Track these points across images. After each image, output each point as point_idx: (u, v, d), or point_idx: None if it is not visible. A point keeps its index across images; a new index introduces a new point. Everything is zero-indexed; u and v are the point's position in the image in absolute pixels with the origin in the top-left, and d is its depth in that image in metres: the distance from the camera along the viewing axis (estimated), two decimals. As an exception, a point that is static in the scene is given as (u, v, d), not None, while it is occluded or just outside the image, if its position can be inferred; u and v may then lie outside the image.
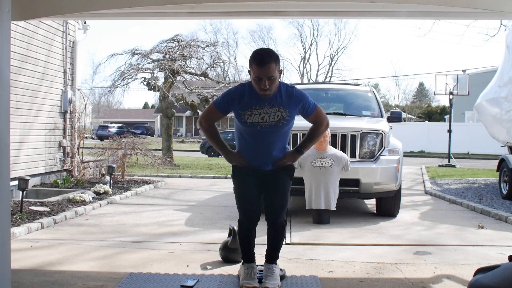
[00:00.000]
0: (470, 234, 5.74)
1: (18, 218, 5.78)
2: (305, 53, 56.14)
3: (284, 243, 4.21)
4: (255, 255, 3.77)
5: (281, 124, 3.49)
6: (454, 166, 16.20)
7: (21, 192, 6.15)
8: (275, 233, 3.69)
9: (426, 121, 35.88)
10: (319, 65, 55.82)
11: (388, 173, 6.34)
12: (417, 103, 51.98)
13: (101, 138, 34.10)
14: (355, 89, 8.51)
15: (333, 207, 6.10)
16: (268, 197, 3.66)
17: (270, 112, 3.44)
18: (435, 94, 19.81)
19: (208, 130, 3.62)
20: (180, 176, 12.31)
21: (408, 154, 21.50)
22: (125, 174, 10.22)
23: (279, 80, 3.44)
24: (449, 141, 16.93)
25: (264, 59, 3.28)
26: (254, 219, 3.66)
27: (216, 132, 3.67)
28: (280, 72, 3.41)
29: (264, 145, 3.54)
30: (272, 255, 3.70)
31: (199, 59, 16.18)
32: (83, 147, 10.24)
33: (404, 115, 31.45)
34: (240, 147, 3.65)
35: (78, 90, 10.22)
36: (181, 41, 15.69)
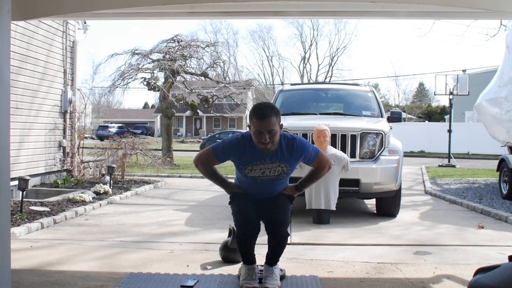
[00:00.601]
0: (470, 234, 5.74)
1: (18, 218, 5.78)
2: (305, 53, 56.22)
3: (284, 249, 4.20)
4: (255, 255, 3.76)
5: (281, 177, 3.56)
6: (454, 166, 16.20)
7: (21, 192, 6.15)
8: (278, 243, 3.59)
9: (426, 121, 35.88)
10: (319, 65, 55.90)
11: (388, 173, 6.34)
12: (417, 103, 52.00)
13: (101, 138, 34.10)
14: (355, 89, 8.51)
15: (333, 207, 6.10)
16: (268, 215, 3.56)
17: (271, 167, 3.47)
18: (435, 94, 19.82)
19: (205, 172, 3.72)
20: (180, 176, 12.31)
21: (408, 154, 21.50)
22: (125, 174, 10.22)
23: (280, 133, 3.42)
24: (449, 141, 16.93)
25: (264, 113, 3.26)
26: (254, 234, 3.57)
27: (213, 172, 3.74)
28: (281, 126, 3.39)
29: (264, 191, 3.62)
30: (272, 260, 3.67)
31: (199, 59, 16.21)
32: (83, 147, 10.24)
33: (404, 115, 31.46)
34: (240, 185, 3.72)
35: (78, 90, 10.22)
36: (181, 41, 15.70)
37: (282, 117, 3.71)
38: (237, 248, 4.11)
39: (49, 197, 7.45)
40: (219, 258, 4.36)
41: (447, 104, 22.27)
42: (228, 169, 13.47)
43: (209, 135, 31.80)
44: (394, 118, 7.42)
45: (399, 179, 6.48)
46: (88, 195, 7.42)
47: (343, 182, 6.20)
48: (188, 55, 15.62)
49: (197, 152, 3.90)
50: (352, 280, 3.86)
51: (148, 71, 15.43)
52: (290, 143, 3.46)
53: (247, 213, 3.54)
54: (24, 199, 6.20)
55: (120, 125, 46.34)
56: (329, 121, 6.41)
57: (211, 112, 19.05)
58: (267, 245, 3.73)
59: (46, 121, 8.86)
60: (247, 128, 3.47)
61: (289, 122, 6.29)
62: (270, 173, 3.47)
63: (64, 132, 9.56)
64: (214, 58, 16.44)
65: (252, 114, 3.32)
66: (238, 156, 3.48)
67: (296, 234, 5.52)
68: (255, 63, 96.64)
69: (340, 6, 5.28)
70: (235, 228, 3.68)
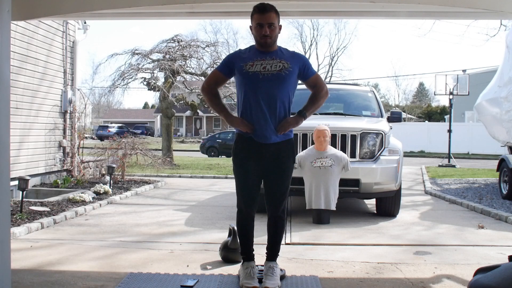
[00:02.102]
0: (470, 234, 5.74)
1: (18, 218, 5.78)
2: (305, 53, 56.09)
3: (284, 243, 4.22)
4: (255, 254, 3.78)
5: (283, 74, 3.49)
6: (454, 166, 16.20)
7: (21, 192, 6.15)
8: (276, 223, 3.67)
9: (426, 121, 35.89)
10: (319, 65, 55.81)
11: (388, 173, 6.34)
12: (417, 103, 52.00)
13: (101, 138, 34.10)
14: (355, 89, 8.51)
15: (333, 207, 6.10)
16: (269, 184, 3.63)
17: (272, 63, 3.51)
18: (435, 94, 19.82)
19: (210, 92, 3.66)
20: (180, 176, 12.31)
21: (408, 154, 21.50)
22: (125, 174, 10.22)
23: (279, 34, 3.55)
24: (449, 141, 16.94)
25: (265, 7, 3.47)
26: (253, 205, 3.65)
27: (217, 94, 3.69)
28: (280, 27, 3.56)
29: (266, 99, 3.48)
30: (273, 250, 3.70)
31: (199, 59, 16.19)
32: (83, 147, 10.24)
33: (404, 115, 31.45)
34: (243, 113, 3.58)
35: (78, 90, 10.22)
36: (181, 41, 15.69)
37: None
38: (237, 248, 4.14)
39: (49, 197, 7.45)
40: (219, 258, 4.36)
41: (447, 104, 22.28)
42: (228, 169, 13.48)
43: (209, 135, 31.81)
44: (394, 118, 7.41)
45: (399, 179, 6.48)
46: (88, 195, 7.42)
47: (343, 182, 6.20)
48: (188, 55, 15.61)
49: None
50: (352, 280, 3.86)
51: (148, 71, 15.43)
52: (291, 50, 3.66)
53: (250, 181, 3.60)
54: (24, 199, 6.20)
55: (120, 125, 46.35)
56: (329, 121, 6.41)
57: (211, 112, 19.06)
58: (266, 245, 3.74)
59: (46, 121, 8.86)
60: (249, 29, 3.59)
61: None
62: (272, 67, 3.49)
63: (64, 132, 9.56)
64: (214, 58, 16.42)
65: (254, 10, 3.50)
66: (239, 56, 3.59)
67: (296, 234, 5.52)
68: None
69: (340, 6, 5.28)
70: (236, 193, 3.70)
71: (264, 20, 3.44)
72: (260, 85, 3.47)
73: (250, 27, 3.57)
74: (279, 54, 3.56)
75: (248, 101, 3.53)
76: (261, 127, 3.51)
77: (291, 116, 3.61)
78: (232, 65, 3.58)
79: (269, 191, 3.66)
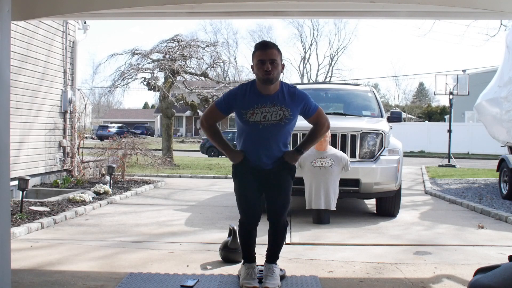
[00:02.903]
0: (470, 234, 5.74)
1: (18, 218, 5.78)
2: (305, 53, 56.19)
3: (284, 243, 4.21)
4: (256, 255, 3.77)
5: (283, 123, 3.50)
6: (454, 166, 16.20)
7: (21, 192, 6.15)
8: (277, 233, 3.68)
9: (426, 121, 35.89)
10: (319, 65, 55.87)
11: (388, 173, 6.34)
12: (417, 103, 51.99)
13: (101, 138, 34.10)
14: (355, 89, 8.51)
15: (333, 207, 6.10)
16: (269, 197, 3.65)
17: (272, 110, 3.46)
18: (435, 94, 19.82)
19: (209, 129, 3.63)
20: (180, 176, 12.31)
21: (408, 154, 21.50)
22: (125, 174, 10.22)
23: (281, 74, 3.50)
24: (449, 141, 16.93)
25: (267, 44, 3.46)
26: (255, 219, 3.66)
27: (218, 131, 3.69)
28: (283, 66, 3.49)
29: (266, 144, 3.54)
30: (272, 255, 3.71)
31: (199, 59, 16.19)
32: (83, 147, 10.24)
33: (404, 115, 31.46)
34: (242, 147, 3.65)
35: (78, 90, 10.22)
36: (181, 41, 15.69)
37: None
38: (237, 248, 4.14)
39: (49, 197, 7.44)
40: (219, 258, 4.36)
41: (447, 104, 22.28)
42: (228, 169, 13.48)
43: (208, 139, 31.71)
44: (394, 118, 7.41)
45: (399, 179, 6.48)
46: (88, 195, 7.42)
47: (343, 182, 6.20)
48: (188, 55, 15.61)
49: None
50: (352, 280, 3.86)
51: (148, 71, 15.42)
52: (291, 90, 3.57)
53: (250, 197, 3.60)
54: (24, 199, 6.20)
55: (120, 125, 46.34)
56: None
57: (211, 112, 19.00)
58: (267, 245, 3.74)
59: (46, 121, 8.86)
60: (251, 68, 3.55)
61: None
62: (272, 117, 3.46)
63: (64, 132, 9.56)
64: (214, 58, 16.43)
65: (255, 47, 3.47)
66: (240, 99, 3.50)
67: (296, 234, 5.52)
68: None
69: (340, 6, 5.28)
70: (238, 207, 3.70)
71: (266, 57, 3.37)
72: (259, 134, 3.52)
73: (252, 66, 3.50)
74: (280, 98, 3.48)
75: (248, 141, 3.60)
76: (260, 160, 3.59)
77: (288, 151, 3.67)
78: (232, 106, 3.56)
79: (270, 205, 3.66)
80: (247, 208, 3.64)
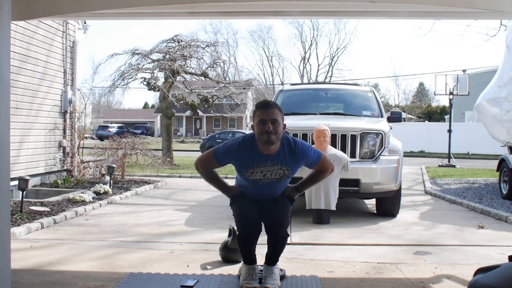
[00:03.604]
0: (470, 234, 5.74)
1: (18, 218, 5.78)
2: (305, 53, 56.22)
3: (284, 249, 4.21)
4: (256, 255, 3.77)
5: (282, 180, 3.56)
6: (454, 166, 16.20)
7: (21, 192, 6.15)
8: (277, 244, 3.62)
9: (426, 121, 35.88)
10: (319, 65, 55.91)
11: (388, 173, 6.33)
12: (417, 103, 52.01)
13: (101, 138, 34.10)
14: (355, 89, 8.51)
15: (333, 207, 6.10)
16: (268, 215, 3.59)
17: (272, 170, 3.47)
18: (435, 94, 19.82)
19: (206, 175, 3.69)
20: (180, 176, 12.31)
21: (408, 154, 21.50)
22: (125, 174, 10.22)
23: (283, 134, 3.46)
24: (449, 141, 16.93)
25: (269, 103, 3.47)
26: (255, 236, 3.60)
27: (214, 176, 3.71)
28: (284, 126, 3.44)
29: (265, 193, 3.63)
30: (272, 260, 3.68)
31: (199, 59, 16.20)
32: (83, 147, 10.24)
33: (404, 115, 31.47)
34: (241, 188, 3.72)
35: (78, 90, 10.22)
36: (181, 41, 15.69)
37: None
38: (237, 248, 4.13)
39: (49, 197, 7.44)
40: (219, 258, 4.36)
41: (447, 104, 22.28)
42: (228, 169, 13.48)
43: (209, 135, 31.80)
44: (394, 118, 7.41)
45: (399, 179, 6.48)
46: (88, 195, 7.42)
47: (343, 182, 6.20)
48: (188, 55, 15.62)
49: (198, 155, 3.88)
50: (352, 280, 3.86)
51: (148, 71, 15.43)
52: (293, 147, 3.48)
53: (249, 214, 3.56)
54: (24, 199, 6.20)
55: (120, 125, 46.33)
56: (329, 121, 6.41)
57: (211, 112, 19.05)
58: (267, 245, 3.74)
59: (46, 121, 8.86)
60: (250, 127, 3.52)
61: (289, 122, 6.22)
62: (272, 176, 3.47)
63: (64, 132, 9.56)
64: (214, 58, 16.44)
65: (256, 107, 3.45)
66: (240, 159, 3.47)
67: (296, 234, 5.52)
68: (255, 63, 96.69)
69: (340, 6, 5.28)
70: (236, 229, 3.69)
71: (267, 116, 3.32)
72: (258, 188, 3.56)
73: (252, 126, 3.46)
74: (280, 157, 3.44)
75: (247, 188, 3.64)
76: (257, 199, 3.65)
77: (287, 187, 3.71)
78: (230, 162, 3.57)
79: (269, 221, 3.59)
80: (247, 226, 3.57)
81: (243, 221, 3.58)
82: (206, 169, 3.63)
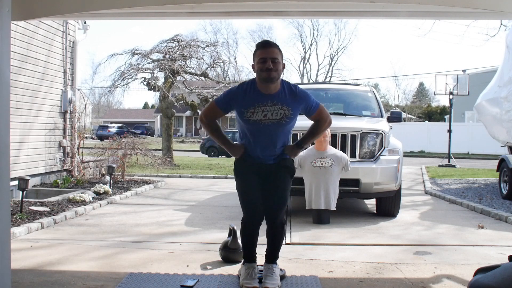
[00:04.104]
0: (470, 234, 5.74)
1: (18, 218, 5.78)
2: (305, 53, 56.17)
3: (284, 243, 4.22)
4: (256, 255, 3.77)
5: (283, 122, 3.51)
6: (454, 166, 16.20)
7: (21, 192, 6.15)
8: (275, 232, 3.68)
9: (426, 121, 35.89)
10: (319, 65, 55.85)
11: (388, 173, 6.33)
12: (417, 103, 51.98)
13: (101, 138, 34.09)
14: (355, 89, 8.51)
15: (333, 207, 6.10)
16: (267, 196, 3.65)
17: (273, 109, 3.46)
18: (435, 94, 19.82)
19: (209, 125, 3.65)
20: (180, 176, 12.31)
21: (408, 154, 21.50)
22: (125, 174, 10.22)
23: (282, 72, 3.51)
24: (449, 141, 16.93)
25: (268, 43, 3.47)
26: (258, 217, 3.65)
27: (218, 127, 3.70)
28: (283, 66, 3.49)
29: (266, 142, 3.56)
30: (272, 255, 3.71)
31: (199, 59, 16.19)
32: (83, 147, 10.24)
33: (404, 115, 31.45)
34: (243, 143, 3.66)
35: (78, 90, 10.22)
36: (181, 41, 15.69)
37: None
38: (237, 248, 4.14)
39: (49, 197, 7.44)
40: (219, 258, 4.36)
41: (447, 104, 22.28)
42: (228, 169, 13.48)
43: (209, 135, 31.76)
44: (394, 118, 7.41)
45: (399, 179, 6.48)
46: (88, 195, 7.42)
47: (343, 182, 6.20)
48: (188, 55, 15.61)
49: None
50: (352, 280, 3.86)
51: (148, 71, 15.43)
52: (293, 89, 3.56)
53: (253, 194, 3.60)
54: (24, 199, 6.20)
55: (120, 125, 46.33)
56: (329, 121, 6.40)
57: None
58: (265, 245, 3.74)
59: (46, 121, 8.86)
60: (251, 68, 3.55)
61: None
62: (272, 116, 3.46)
63: (64, 132, 9.56)
64: (214, 58, 16.43)
65: (257, 46, 3.48)
66: (240, 98, 3.50)
67: (296, 234, 5.52)
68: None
69: (340, 6, 5.28)
70: (242, 210, 3.70)
71: (267, 55, 3.38)
72: (260, 132, 3.52)
73: (252, 65, 3.49)
74: (281, 97, 3.48)
75: (247, 138, 3.61)
76: (260, 158, 3.61)
77: (288, 145, 3.69)
78: (232, 105, 3.57)
79: (267, 202, 3.65)
80: (250, 205, 3.63)
81: (248, 203, 3.63)
82: (209, 118, 3.63)
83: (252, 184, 3.62)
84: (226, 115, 3.82)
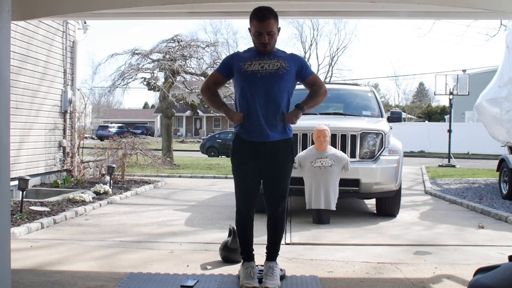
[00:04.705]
0: (470, 234, 5.74)
1: (18, 218, 5.78)
2: (305, 53, 56.08)
3: (284, 243, 4.23)
4: (255, 254, 3.77)
5: (280, 72, 3.51)
6: (454, 166, 16.19)
7: (21, 192, 6.15)
8: (276, 223, 3.66)
9: (426, 121, 35.88)
10: (319, 65, 55.77)
11: (388, 173, 6.33)
12: (417, 103, 52.00)
13: (101, 138, 34.09)
14: (355, 89, 8.51)
15: (333, 207, 6.10)
16: (268, 184, 3.63)
17: (270, 62, 3.54)
18: (435, 94, 19.82)
19: (209, 90, 3.69)
20: (180, 176, 12.31)
21: (408, 154, 21.50)
22: (125, 174, 10.22)
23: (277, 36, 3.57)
24: (449, 141, 16.93)
25: (264, 15, 3.44)
26: (252, 206, 3.64)
27: (216, 92, 3.73)
28: (279, 29, 3.56)
29: (266, 99, 3.50)
30: (272, 250, 3.70)
31: (199, 59, 16.17)
32: (83, 147, 10.24)
33: (404, 115, 31.45)
34: (241, 106, 3.62)
35: (78, 90, 10.22)
36: (181, 41, 15.68)
37: None
38: (237, 248, 4.14)
39: (49, 197, 7.44)
40: (219, 258, 4.36)
41: (447, 104, 22.28)
42: (228, 169, 13.48)
43: (209, 135, 31.81)
44: (394, 118, 7.41)
45: (399, 179, 6.48)
46: (88, 195, 7.42)
47: (343, 182, 6.19)
48: (188, 55, 15.61)
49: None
50: (352, 280, 3.86)
51: (148, 71, 15.43)
52: (288, 52, 3.70)
53: (249, 180, 3.60)
54: (24, 199, 6.20)
55: (120, 125, 46.35)
56: (329, 121, 6.41)
57: (211, 112, 19.07)
58: (266, 245, 3.74)
59: (46, 121, 8.86)
60: (248, 30, 3.59)
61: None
62: (269, 67, 3.51)
63: (64, 132, 9.56)
64: (214, 58, 16.41)
65: (253, 16, 3.48)
66: (239, 56, 3.62)
67: (296, 234, 5.52)
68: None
69: (340, 6, 5.28)
70: (235, 199, 3.70)
71: (263, 29, 3.43)
72: (257, 83, 3.49)
73: (249, 29, 3.56)
74: (277, 54, 3.61)
75: (246, 99, 3.54)
76: (259, 125, 3.51)
77: (287, 112, 3.61)
78: (231, 65, 3.60)
79: (268, 191, 3.65)
80: (244, 190, 3.62)
81: (242, 186, 3.63)
82: (210, 85, 3.69)
83: (249, 170, 3.58)
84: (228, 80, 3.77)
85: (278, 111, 3.53)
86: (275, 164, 3.58)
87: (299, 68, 3.60)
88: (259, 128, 3.51)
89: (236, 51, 3.86)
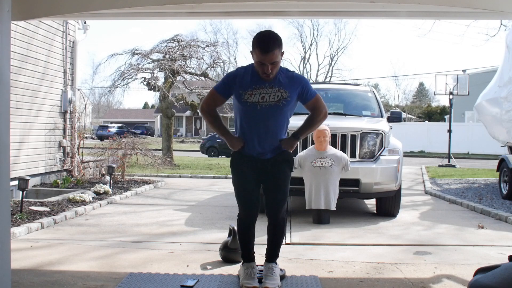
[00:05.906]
0: (470, 234, 5.74)
1: (18, 218, 5.78)
2: (305, 53, 56.12)
3: (284, 243, 4.22)
4: (255, 255, 3.78)
5: (281, 104, 3.48)
6: (454, 166, 16.19)
7: (21, 192, 6.15)
8: (276, 228, 3.68)
9: (426, 121, 35.90)
10: (319, 65, 55.80)
11: (388, 173, 6.33)
12: (417, 103, 52.00)
13: (101, 138, 34.08)
14: (355, 89, 8.51)
15: (333, 207, 6.10)
16: (268, 191, 3.64)
17: (270, 92, 3.46)
18: (435, 94, 19.82)
19: (210, 114, 3.63)
20: (180, 176, 12.31)
21: (408, 154, 21.49)
22: (125, 174, 10.22)
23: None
24: (449, 141, 16.93)
25: (268, 46, 3.29)
26: (254, 212, 3.65)
27: (218, 116, 3.68)
28: (282, 54, 3.45)
29: (264, 129, 3.51)
30: (272, 253, 3.70)
31: (199, 59, 16.18)
32: (83, 147, 10.24)
33: (404, 115, 31.45)
34: (240, 132, 3.62)
35: (78, 90, 10.22)
36: (181, 41, 15.68)
37: None
38: (237, 248, 4.14)
39: (49, 197, 7.44)
40: (219, 258, 4.36)
41: (447, 104, 22.28)
42: (227, 169, 13.47)
43: (209, 135, 31.80)
44: (394, 118, 7.41)
45: (399, 179, 6.48)
46: (88, 195, 7.41)
47: (343, 182, 6.19)
48: (188, 55, 15.61)
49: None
50: (352, 280, 3.86)
51: (148, 71, 15.43)
52: (290, 73, 3.57)
53: (249, 189, 3.60)
54: (24, 199, 6.20)
55: (120, 125, 46.34)
56: (329, 121, 6.34)
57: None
58: (265, 245, 3.74)
59: (46, 121, 8.86)
60: (250, 53, 3.45)
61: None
62: (270, 98, 3.45)
63: (64, 132, 9.56)
64: (214, 58, 16.42)
65: (256, 44, 3.33)
66: (238, 81, 3.49)
67: (296, 234, 5.52)
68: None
69: (340, 6, 5.28)
70: (238, 204, 3.69)
71: (267, 61, 3.31)
72: (257, 115, 3.49)
73: (251, 52, 3.43)
74: (278, 80, 3.47)
75: (244, 128, 3.57)
76: (257, 149, 3.56)
77: (285, 138, 3.63)
78: (231, 89, 3.54)
79: (267, 198, 3.65)
80: (245, 200, 3.63)
81: (243, 195, 3.63)
82: (210, 107, 3.62)
83: (248, 178, 3.60)
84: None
85: (276, 139, 3.57)
86: (274, 173, 3.60)
87: (300, 93, 3.55)
88: (257, 151, 3.57)
89: (238, 67, 3.68)
